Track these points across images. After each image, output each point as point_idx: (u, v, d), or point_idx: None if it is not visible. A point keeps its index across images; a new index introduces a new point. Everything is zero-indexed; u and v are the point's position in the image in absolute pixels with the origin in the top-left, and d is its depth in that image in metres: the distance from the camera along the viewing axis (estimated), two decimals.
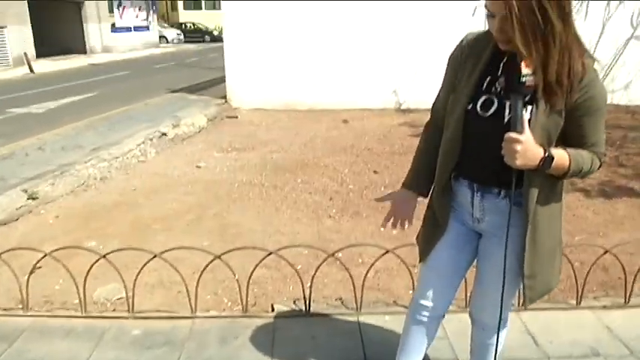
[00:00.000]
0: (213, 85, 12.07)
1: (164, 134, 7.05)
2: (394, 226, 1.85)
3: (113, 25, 25.98)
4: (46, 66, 18.84)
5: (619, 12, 10.04)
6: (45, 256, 2.76)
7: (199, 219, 4.39)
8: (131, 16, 27.64)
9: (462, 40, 1.63)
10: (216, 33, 34.95)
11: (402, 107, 9.45)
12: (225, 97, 9.66)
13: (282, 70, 9.32)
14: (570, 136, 1.49)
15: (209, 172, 5.72)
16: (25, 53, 18.44)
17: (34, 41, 20.39)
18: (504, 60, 1.46)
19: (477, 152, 1.57)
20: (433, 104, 1.76)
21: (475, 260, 1.79)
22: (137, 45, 27.17)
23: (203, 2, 42.56)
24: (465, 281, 2.12)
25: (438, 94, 1.72)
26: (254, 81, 9.33)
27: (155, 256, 2.70)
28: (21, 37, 19.55)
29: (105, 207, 4.69)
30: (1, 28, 18.92)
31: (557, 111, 1.44)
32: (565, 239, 3.88)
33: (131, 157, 6.22)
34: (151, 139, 6.82)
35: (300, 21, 9.11)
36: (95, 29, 24.68)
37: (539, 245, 1.58)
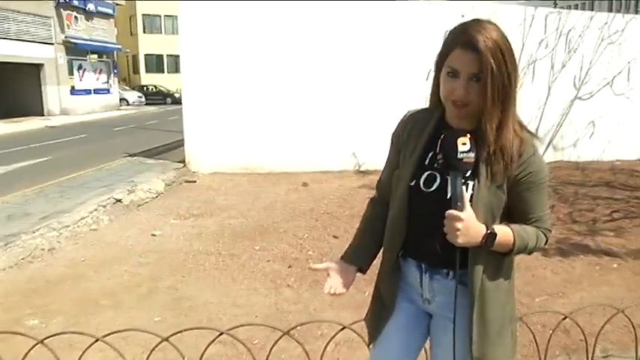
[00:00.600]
0: (172, 148, 11.97)
1: (119, 200, 6.85)
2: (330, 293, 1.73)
3: (73, 87, 25.81)
4: (0, 128, 18.38)
5: (562, 75, 10.63)
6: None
7: (151, 292, 4.19)
8: (91, 78, 27.57)
9: (403, 117, 1.65)
10: (177, 95, 35.10)
11: (362, 169, 9.55)
12: (183, 160, 9.56)
13: (241, 132, 9.33)
14: (514, 212, 1.49)
15: (164, 240, 5.54)
16: None
17: None
18: (441, 136, 1.45)
19: (422, 230, 1.53)
20: (378, 181, 1.75)
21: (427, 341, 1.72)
22: (97, 107, 26.96)
23: (165, 65, 43.11)
24: None
25: (383, 170, 1.71)
26: (213, 144, 9.30)
27: (97, 340, 2.51)
28: None
29: (50, 281, 4.44)
30: None
31: (499, 186, 1.43)
32: (526, 301, 3.94)
33: (82, 225, 5.98)
34: (105, 206, 6.61)
35: (259, 83, 9.23)
36: (54, 91, 24.43)
37: (488, 325, 1.52)
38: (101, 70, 28.54)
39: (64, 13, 25.03)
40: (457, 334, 1.49)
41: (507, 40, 1.39)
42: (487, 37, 1.35)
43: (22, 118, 21.75)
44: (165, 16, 42.56)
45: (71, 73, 25.77)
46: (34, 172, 9.57)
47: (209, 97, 9.22)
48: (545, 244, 1.55)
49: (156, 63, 42.97)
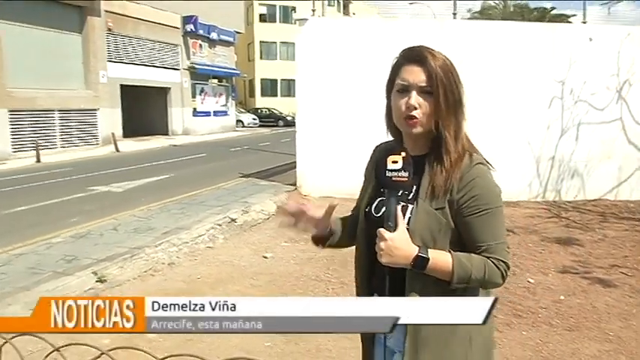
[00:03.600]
0: (283, 170, 12.27)
1: (233, 220, 7.09)
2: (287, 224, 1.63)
3: (195, 109, 27.66)
4: (131, 146, 20.08)
5: None
6: (101, 354, 2.64)
7: None
8: (212, 101, 29.41)
9: (373, 151, 1.68)
10: (289, 118, 36.39)
11: None
12: (295, 183, 9.73)
13: (351, 158, 9.30)
14: (466, 240, 1.42)
15: (275, 263, 5.60)
16: (112, 133, 19.81)
17: (122, 122, 21.95)
18: (379, 156, 1.44)
19: (371, 258, 1.45)
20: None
21: None
22: (215, 128, 28.62)
23: (279, 89, 44.89)
24: None
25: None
26: (324, 168, 9.37)
27: None
28: (111, 118, 21.10)
29: (169, 295, 4.62)
30: (95, 110, 20.53)
31: (440, 209, 1.40)
32: None
33: (200, 242, 6.24)
34: (220, 225, 6.86)
35: (370, 109, 9.17)
36: (178, 113, 26.33)
37: None
38: (221, 93, 30.36)
39: (191, 41, 27.01)
40: None
41: (451, 61, 1.44)
42: (433, 54, 1.42)
43: (150, 137, 23.63)
44: (280, 42, 44.47)
45: (194, 96, 27.67)
46: (158, 187, 10.24)
47: (322, 122, 9.34)
48: (502, 279, 1.41)
49: (270, 87, 44.90)
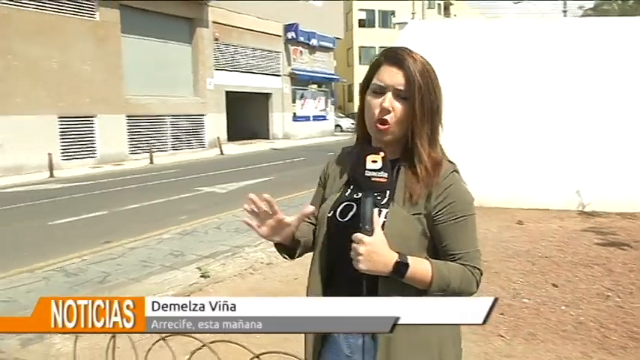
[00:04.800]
0: None
1: None
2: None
3: (294, 114, 28.37)
4: (234, 149, 21.02)
5: None
6: (203, 346, 2.77)
7: None
8: (311, 106, 30.01)
9: (336, 155, 1.59)
10: None
11: (587, 209, 8.49)
12: None
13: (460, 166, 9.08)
14: (440, 248, 1.37)
15: None
16: (217, 137, 20.86)
17: (227, 126, 23.04)
18: (355, 156, 1.36)
19: (338, 265, 1.40)
20: None
21: None
22: (314, 133, 29.17)
23: None
24: None
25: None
26: None
27: None
28: (217, 123, 22.23)
29: (269, 293, 4.76)
30: (202, 115, 21.72)
31: (416, 216, 1.35)
32: None
33: None
34: None
35: (472, 110, 8.89)
36: (279, 117, 27.16)
37: None
38: (320, 98, 30.89)
39: (292, 48, 27.77)
40: None
41: (432, 66, 1.39)
42: (414, 57, 1.36)
43: (252, 141, 24.60)
44: (379, 47, 44.39)
45: (294, 101, 28.41)
46: (259, 189, 10.48)
47: None
48: (476, 286, 1.36)
49: None
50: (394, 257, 1.27)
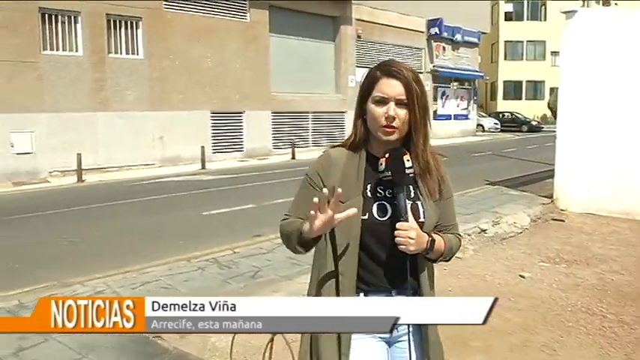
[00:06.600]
0: (535, 180, 11.21)
1: (483, 231, 6.63)
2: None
3: (435, 112, 27.51)
4: None
5: None
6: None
7: (524, 345, 3.74)
8: (452, 104, 28.93)
9: (323, 156, 1.72)
10: (534, 123, 33.80)
11: None
12: (549, 195, 8.76)
13: (621, 171, 7.98)
14: (438, 224, 1.69)
15: (534, 285, 5.00)
16: None
17: None
18: (386, 156, 1.58)
19: (383, 260, 1.62)
20: (288, 215, 1.77)
21: None
22: (455, 132, 28.10)
23: (523, 92, 42.10)
24: None
25: (293, 208, 1.76)
26: (587, 181, 8.21)
27: None
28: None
29: None
30: (343, 112, 21.87)
31: (436, 202, 1.66)
32: None
33: None
34: (469, 235, 6.47)
35: None
36: None
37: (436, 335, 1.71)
38: (462, 96, 29.68)
39: (434, 44, 26.96)
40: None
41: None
42: (406, 68, 1.60)
43: None
44: (527, 41, 41.73)
45: (435, 99, 27.54)
46: None
47: (587, 130, 8.18)
48: (458, 249, 1.76)
49: (514, 89, 42.43)
50: (426, 236, 1.57)
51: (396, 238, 1.50)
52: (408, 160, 1.55)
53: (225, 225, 7.92)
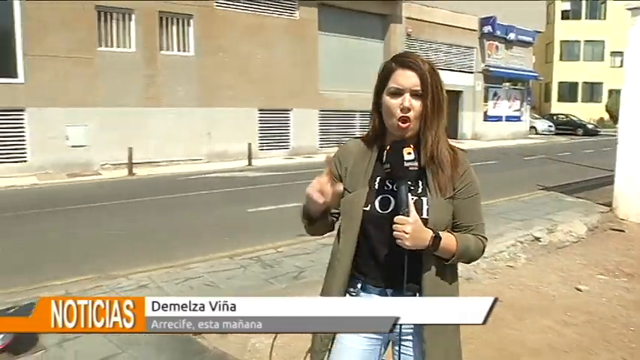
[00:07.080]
0: (592, 186, 10.67)
1: (537, 239, 6.32)
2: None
3: (485, 113, 26.79)
4: None
5: None
6: None
7: None
8: (504, 105, 28.10)
9: (345, 144, 1.78)
10: (590, 126, 32.42)
11: None
12: (608, 203, 8.30)
13: None
14: (456, 223, 1.63)
15: (592, 299, 4.70)
16: None
17: None
18: (387, 148, 1.58)
19: (381, 253, 1.62)
20: None
21: None
22: (506, 134, 27.29)
23: (579, 94, 40.51)
24: None
25: None
26: None
27: None
28: None
29: None
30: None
31: (448, 199, 1.59)
32: None
33: (499, 259, 5.70)
34: (522, 242, 6.19)
35: None
36: (469, 117, 25.90)
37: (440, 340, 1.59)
38: (515, 97, 28.82)
39: (487, 43, 26.28)
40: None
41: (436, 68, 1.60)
42: (422, 60, 1.58)
43: None
44: (585, 41, 40.09)
45: (486, 100, 26.86)
46: None
47: None
48: (482, 254, 1.67)
49: (569, 91, 40.86)
50: (430, 233, 1.52)
51: (393, 232, 1.50)
52: (409, 154, 1.52)
53: (270, 223, 7.88)
